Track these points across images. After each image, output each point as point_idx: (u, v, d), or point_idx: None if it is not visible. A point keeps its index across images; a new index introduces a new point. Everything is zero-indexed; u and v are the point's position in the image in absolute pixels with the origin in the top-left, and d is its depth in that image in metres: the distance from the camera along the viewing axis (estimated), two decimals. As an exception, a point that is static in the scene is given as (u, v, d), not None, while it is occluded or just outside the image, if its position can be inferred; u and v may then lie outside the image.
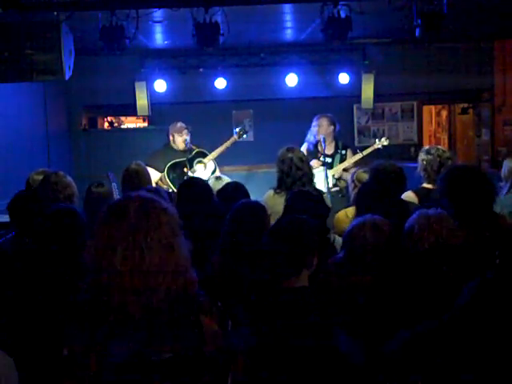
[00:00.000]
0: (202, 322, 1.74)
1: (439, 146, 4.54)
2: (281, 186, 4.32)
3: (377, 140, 6.19)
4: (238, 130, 6.37)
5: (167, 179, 6.00)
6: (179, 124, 6.17)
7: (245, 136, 6.35)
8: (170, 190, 5.84)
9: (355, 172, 4.60)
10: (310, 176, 4.37)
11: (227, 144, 6.21)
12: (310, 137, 6.08)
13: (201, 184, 3.96)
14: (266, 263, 2.50)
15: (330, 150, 6.04)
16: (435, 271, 2.56)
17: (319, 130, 5.99)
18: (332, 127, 6.08)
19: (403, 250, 2.68)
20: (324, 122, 6.04)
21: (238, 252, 3.00)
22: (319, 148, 5.98)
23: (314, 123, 6.08)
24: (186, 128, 6.14)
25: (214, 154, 6.11)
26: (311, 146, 6.04)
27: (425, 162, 4.28)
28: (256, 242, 2.86)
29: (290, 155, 4.32)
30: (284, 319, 2.29)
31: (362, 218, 2.88)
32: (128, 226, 1.68)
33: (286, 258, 2.41)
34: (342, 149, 6.14)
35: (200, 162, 6.06)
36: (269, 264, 2.48)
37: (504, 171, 4.44)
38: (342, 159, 6.08)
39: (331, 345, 2.24)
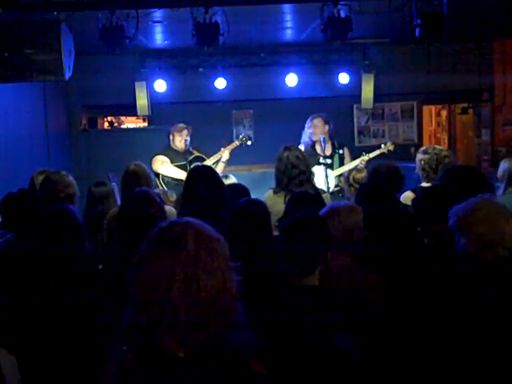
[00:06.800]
0: (251, 368, 1.58)
1: (436, 146, 4.56)
2: (278, 185, 4.31)
3: (382, 145, 6.12)
4: (241, 136, 6.35)
5: (160, 181, 6.02)
6: (180, 124, 6.22)
7: (249, 143, 6.30)
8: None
9: (349, 173, 4.62)
10: (308, 175, 4.35)
11: (228, 149, 6.15)
12: (305, 138, 6.08)
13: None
14: (281, 260, 2.42)
15: (328, 151, 6.02)
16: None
17: (315, 130, 5.98)
18: (327, 126, 6.08)
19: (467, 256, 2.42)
20: (319, 122, 6.03)
21: (239, 248, 2.98)
22: (318, 149, 5.98)
23: (307, 124, 6.08)
24: (187, 128, 6.14)
25: (213, 159, 6.08)
26: (308, 148, 6.01)
27: (423, 162, 4.30)
28: (256, 239, 2.84)
29: (286, 154, 4.32)
30: (295, 319, 2.22)
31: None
32: (187, 257, 1.54)
33: (307, 255, 2.35)
34: (339, 148, 6.15)
35: None
36: (285, 261, 2.40)
37: (500, 172, 4.44)
38: (341, 158, 6.07)
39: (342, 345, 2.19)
